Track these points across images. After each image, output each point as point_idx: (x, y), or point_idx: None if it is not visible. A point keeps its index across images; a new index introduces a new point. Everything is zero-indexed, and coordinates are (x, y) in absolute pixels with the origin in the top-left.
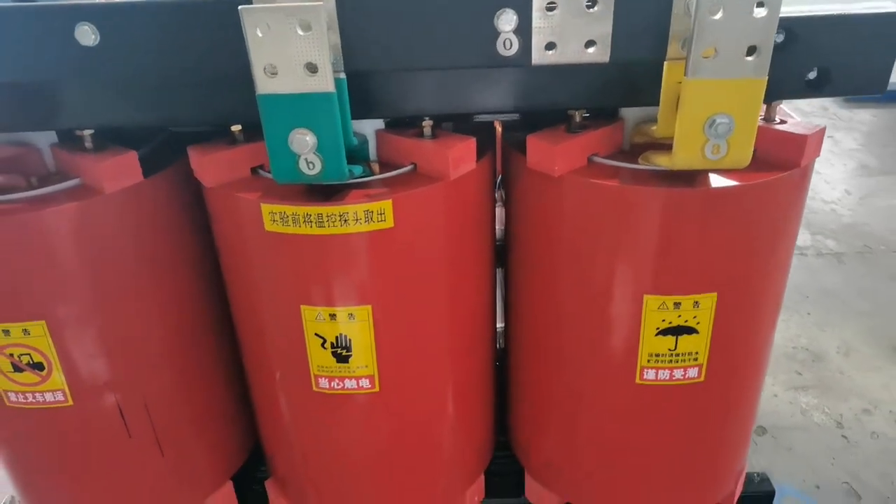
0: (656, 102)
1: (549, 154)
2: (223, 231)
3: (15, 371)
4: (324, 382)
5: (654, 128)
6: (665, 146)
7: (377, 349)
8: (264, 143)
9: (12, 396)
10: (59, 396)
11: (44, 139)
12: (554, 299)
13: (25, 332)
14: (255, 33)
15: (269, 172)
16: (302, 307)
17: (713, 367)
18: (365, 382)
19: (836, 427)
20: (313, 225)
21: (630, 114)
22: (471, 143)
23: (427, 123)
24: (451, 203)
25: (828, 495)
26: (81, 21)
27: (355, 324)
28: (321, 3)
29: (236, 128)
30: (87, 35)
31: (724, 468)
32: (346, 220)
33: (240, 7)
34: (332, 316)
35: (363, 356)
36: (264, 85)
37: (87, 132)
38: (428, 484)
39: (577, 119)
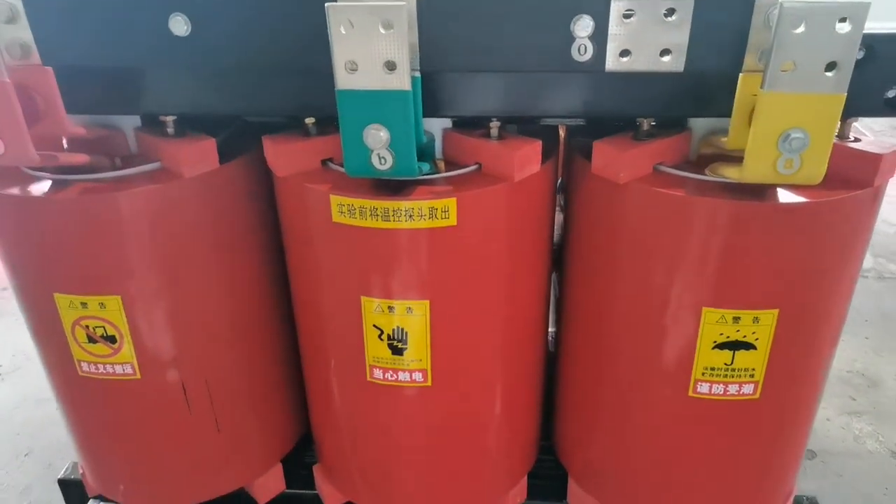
0: (727, 114)
1: (615, 160)
2: (291, 220)
3: (89, 342)
4: (378, 373)
5: (724, 139)
6: (734, 158)
7: (432, 344)
8: (336, 136)
9: (84, 366)
10: (128, 369)
11: (128, 122)
12: (610, 306)
13: (102, 305)
14: (339, 30)
15: (339, 165)
16: (362, 298)
17: (769, 385)
18: (418, 376)
19: (891, 456)
20: (379, 218)
21: (698, 124)
22: (536, 146)
23: (494, 124)
24: (514, 204)
25: None
26: (175, 11)
27: (413, 317)
28: (404, 2)
29: (310, 120)
30: (179, 25)
31: (773, 488)
32: (410, 216)
33: (326, 4)
34: (391, 308)
35: (418, 350)
36: (344, 80)
37: (170, 118)
38: (472, 481)
39: (645, 127)
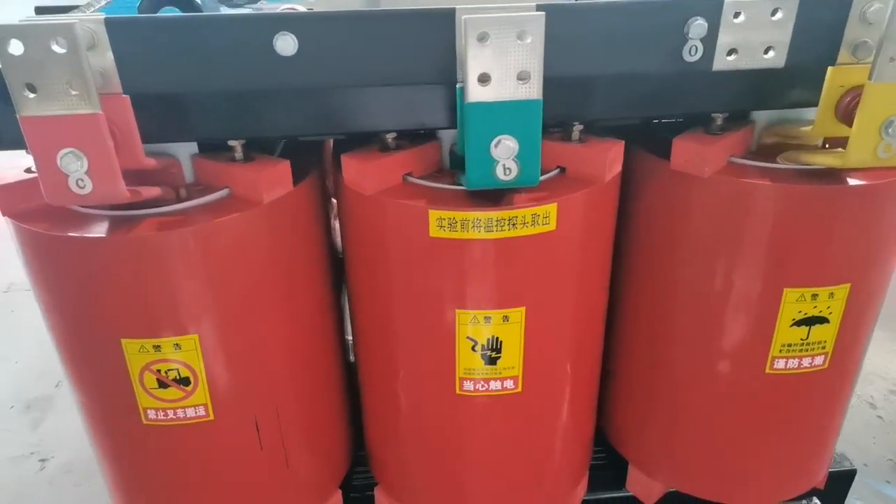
0: (804, 104)
1: (698, 156)
2: (376, 239)
3: (159, 387)
4: (468, 385)
5: (800, 129)
6: (801, 147)
7: (525, 350)
8: (415, 149)
9: (151, 414)
10: (201, 412)
11: (185, 150)
12: (684, 294)
13: (177, 346)
14: (474, 42)
15: (420, 179)
16: (457, 311)
17: (837, 355)
18: (509, 383)
19: (870, 408)
20: (482, 229)
21: (762, 116)
22: (621, 146)
23: (578, 128)
24: (604, 204)
25: (877, 472)
26: (282, 31)
27: (509, 325)
28: (542, 13)
29: (391, 135)
30: (287, 44)
31: (829, 450)
32: (514, 224)
33: (463, 17)
34: (487, 318)
35: (512, 357)
36: (475, 93)
37: (239, 142)
38: (548, 483)
39: (719, 122)
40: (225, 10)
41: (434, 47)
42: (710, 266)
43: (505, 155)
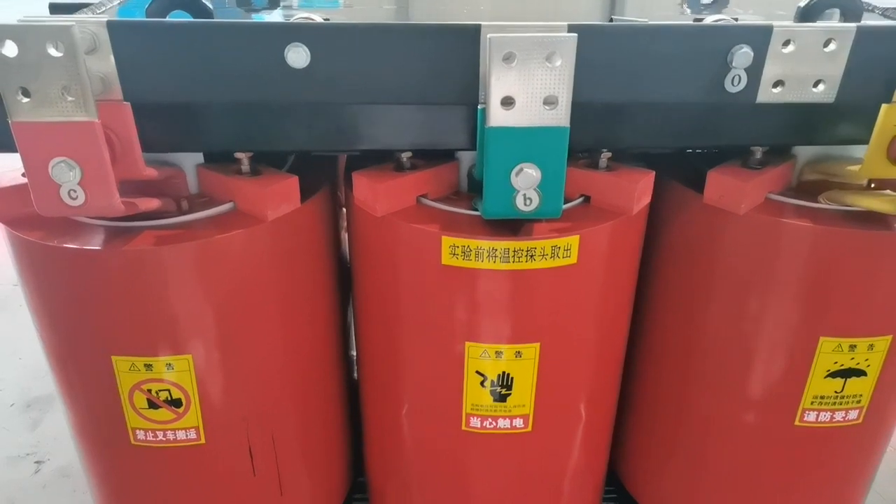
0: (855, 142)
1: (736, 191)
2: (385, 263)
3: (149, 407)
4: (475, 422)
5: (846, 168)
6: (843, 185)
7: (537, 388)
8: (430, 170)
9: (140, 434)
10: (192, 434)
11: (190, 160)
12: (711, 336)
13: (169, 366)
14: (499, 63)
15: (435, 202)
16: (467, 344)
17: (872, 410)
18: (519, 422)
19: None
20: (498, 260)
21: (804, 151)
22: (651, 177)
23: (606, 155)
24: (630, 237)
25: None
26: (294, 42)
27: (521, 361)
28: (574, 35)
29: (406, 154)
30: (299, 56)
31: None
32: (532, 256)
33: (489, 35)
34: (498, 353)
35: (522, 395)
36: (498, 117)
37: (246, 155)
38: None
39: (758, 155)
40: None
41: (455, 65)
42: (741, 309)
43: (526, 185)
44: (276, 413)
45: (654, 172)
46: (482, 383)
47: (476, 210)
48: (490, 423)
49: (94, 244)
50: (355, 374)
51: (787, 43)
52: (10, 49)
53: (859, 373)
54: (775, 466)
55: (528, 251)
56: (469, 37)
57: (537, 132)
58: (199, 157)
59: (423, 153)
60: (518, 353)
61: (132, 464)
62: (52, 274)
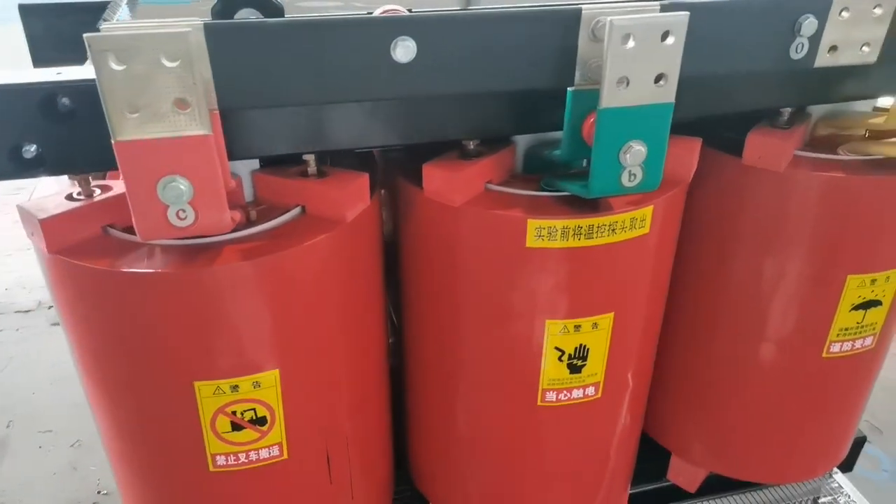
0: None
1: (777, 150)
2: (457, 251)
3: (233, 430)
4: (551, 395)
5: (855, 120)
6: (853, 137)
7: (609, 356)
8: (496, 156)
9: (220, 460)
10: (275, 451)
11: (246, 167)
12: (745, 286)
13: (256, 384)
14: (617, 44)
15: (500, 186)
16: (547, 322)
17: (883, 334)
18: (591, 390)
19: None
20: (582, 237)
21: (818, 109)
22: (699, 144)
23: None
24: (681, 204)
25: None
26: (402, 36)
27: (597, 332)
28: (686, 13)
29: (474, 142)
30: (407, 51)
31: (856, 425)
32: (613, 230)
33: (609, 19)
34: (577, 327)
35: (596, 364)
36: (612, 98)
37: (312, 156)
38: (608, 484)
39: (786, 116)
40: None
41: (553, 49)
42: (774, 256)
43: (635, 161)
44: (349, 417)
45: (700, 140)
46: (560, 358)
47: (543, 191)
48: (564, 395)
49: (176, 266)
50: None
51: (844, 10)
52: (118, 62)
53: (877, 303)
54: (802, 398)
55: (609, 225)
56: (570, 20)
57: (647, 110)
58: (254, 163)
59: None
60: (595, 325)
61: (207, 492)
62: (129, 304)
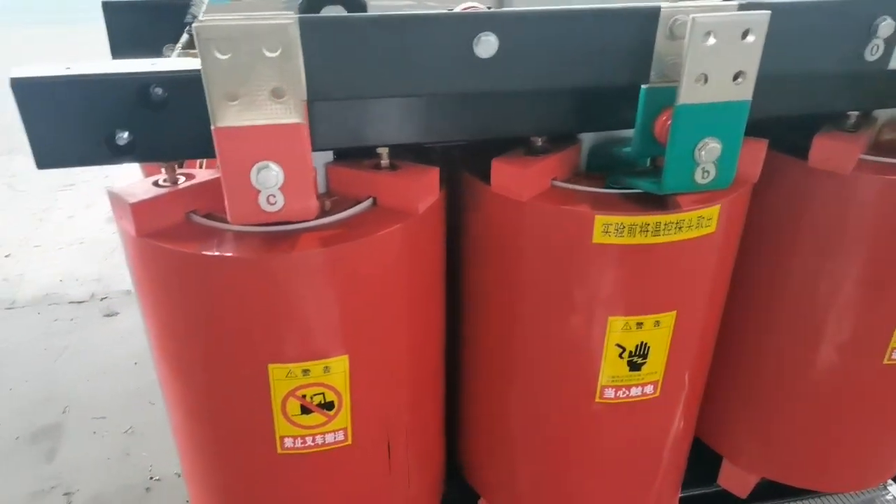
0: None
1: (844, 153)
2: (523, 246)
3: (302, 413)
4: (609, 392)
5: None
6: None
7: (669, 354)
8: (562, 153)
9: (288, 442)
10: (340, 436)
11: (320, 158)
12: (805, 288)
13: (326, 369)
14: (698, 42)
15: (567, 183)
16: (609, 318)
17: None
18: (649, 388)
19: None
20: (649, 234)
21: (883, 114)
22: (765, 145)
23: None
24: (746, 204)
25: None
26: (484, 31)
27: (659, 330)
28: (768, 12)
29: (543, 138)
30: (489, 46)
31: None
32: (680, 228)
33: (692, 16)
34: (639, 325)
35: (657, 362)
36: (690, 94)
37: (385, 150)
38: (660, 485)
39: (853, 120)
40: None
41: (630, 47)
42: (837, 260)
43: (710, 158)
44: (409, 406)
45: (766, 141)
46: (620, 355)
47: (611, 189)
48: (623, 393)
49: (258, 251)
50: None
51: None
52: (223, 51)
53: None
54: (859, 405)
55: (676, 223)
56: (650, 18)
57: (724, 107)
58: (328, 156)
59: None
60: (657, 323)
61: (276, 472)
62: (210, 286)
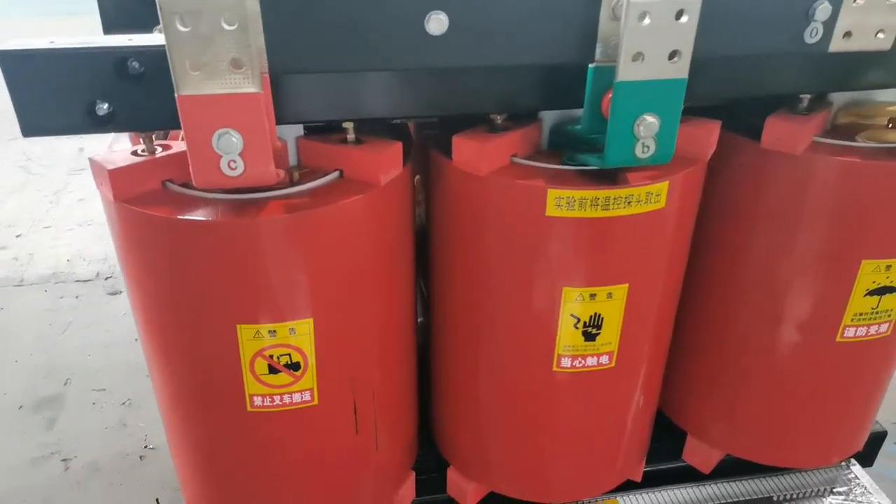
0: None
1: (794, 135)
2: (483, 219)
3: (269, 373)
4: (566, 362)
5: (876, 109)
6: (875, 126)
7: (623, 326)
8: (522, 130)
9: (257, 400)
10: (307, 396)
11: (291, 131)
12: (761, 267)
13: (292, 331)
14: (634, 22)
15: (525, 160)
16: (563, 289)
17: None
18: (605, 359)
19: None
20: (599, 208)
21: (839, 98)
22: (718, 126)
23: None
24: (699, 182)
25: None
26: (435, 10)
27: (612, 302)
28: None
29: (501, 116)
30: (440, 23)
31: (874, 414)
32: (629, 202)
33: None
34: (592, 296)
35: (611, 333)
36: (627, 72)
37: (351, 124)
38: (623, 456)
39: (805, 103)
40: None
41: (577, 27)
42: (791, 239)
43: (647, 133)
44: (376, 371)
45: (720, 123)
46: (575, 325)
47: (568, 165)
48: (579, 362)
49: (228, 216)
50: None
51: None
52: (184, 24)
53: (892, 290)
54: (816, 381)
55: (625, 198)
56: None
57: (661, 84)
58: (299, 129)
59: (511, 116)
60: (609, 295)
61: (247, 430)
62: (181, 249)
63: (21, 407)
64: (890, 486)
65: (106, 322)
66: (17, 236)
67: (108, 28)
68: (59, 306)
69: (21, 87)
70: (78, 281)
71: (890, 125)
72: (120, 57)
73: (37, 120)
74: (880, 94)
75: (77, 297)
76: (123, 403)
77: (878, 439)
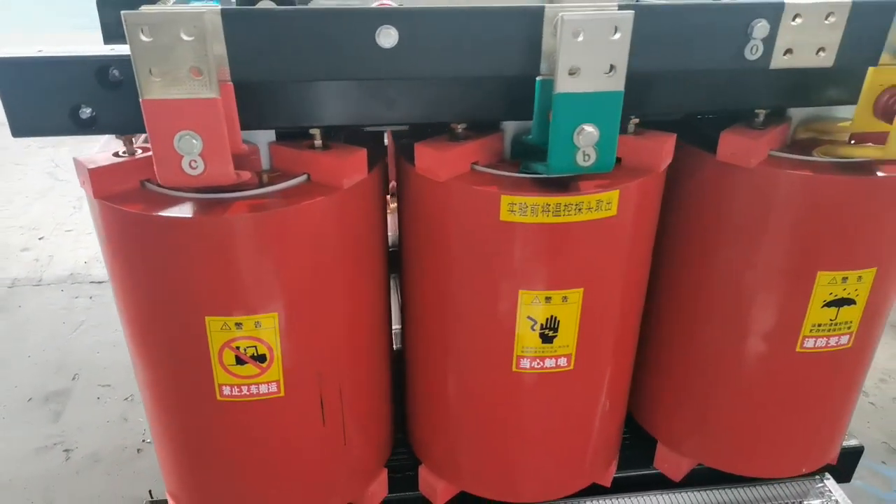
0: (848, 102)
1: (747, 148)
2: (444, 223)
3: (237, 364)
4: (525, 363)
5: (833, 125)
6: (834, 142)
7: (580, 329)
8: (483, 139)
9: (226, 390)
10: (273, 388)
11: (263, 137)
12: (722, 277)
13: (258, 324)
14: (570, 39)
15: (486, 168)
16: (520, 292)
17: (860, 334)
18: (563, 361)
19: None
20: (550, 214)
21: (797, 113)
22: (673, 139)
23: (634, 121)
24: (656, 193)
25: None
26: (384, 24)
27: (567, 306)
28: (631, 12)
29: (461, 126)
30: (389, 37)
31: (844, 427)
32: (580, 209)
33: (561, 15)
34: (548, 299)
35: (567, 336)
36: (564, 84)
37: (318, 130)
38: (589, 459)
39: (761, 118)
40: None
41: (522, 42)
42: (749, 251)
43: (587, 142)
44: (343, 368)
45: (675, 135)
46: (532, 327)
47: (525, 174)
48: (538, 364)
49: (196, 214)
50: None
51: (796, 16)
52: (147, 34)
53: (850, 302)
54: (779, 390)
55: (576, 205)
56: (534, 17)
57: (598, 96)
58: (271, 135)
59: (472, 126)
60: (565, 298)
61: (217, 419)
62: (154, 244)
63: (30, 399)
64: (872, 502)
65: (116, 322)
66: (40, 238)
67: (108, 39)
68: (73, 306)
69: (11, 91)
70: (93, 282)
71: (852, 141)
72: (101, 65)
73: (25, 122)
74: (840, 111)
75: (91, 297)
76: (126, 399)
77: (855, 455)
